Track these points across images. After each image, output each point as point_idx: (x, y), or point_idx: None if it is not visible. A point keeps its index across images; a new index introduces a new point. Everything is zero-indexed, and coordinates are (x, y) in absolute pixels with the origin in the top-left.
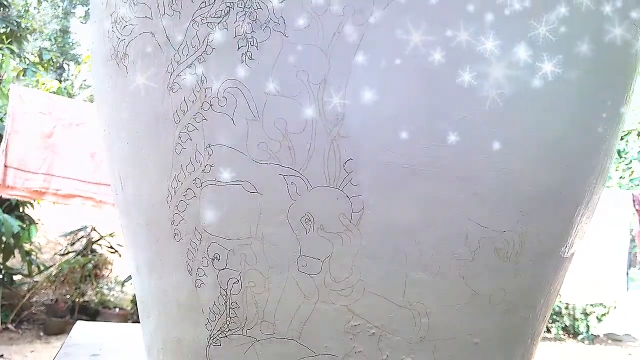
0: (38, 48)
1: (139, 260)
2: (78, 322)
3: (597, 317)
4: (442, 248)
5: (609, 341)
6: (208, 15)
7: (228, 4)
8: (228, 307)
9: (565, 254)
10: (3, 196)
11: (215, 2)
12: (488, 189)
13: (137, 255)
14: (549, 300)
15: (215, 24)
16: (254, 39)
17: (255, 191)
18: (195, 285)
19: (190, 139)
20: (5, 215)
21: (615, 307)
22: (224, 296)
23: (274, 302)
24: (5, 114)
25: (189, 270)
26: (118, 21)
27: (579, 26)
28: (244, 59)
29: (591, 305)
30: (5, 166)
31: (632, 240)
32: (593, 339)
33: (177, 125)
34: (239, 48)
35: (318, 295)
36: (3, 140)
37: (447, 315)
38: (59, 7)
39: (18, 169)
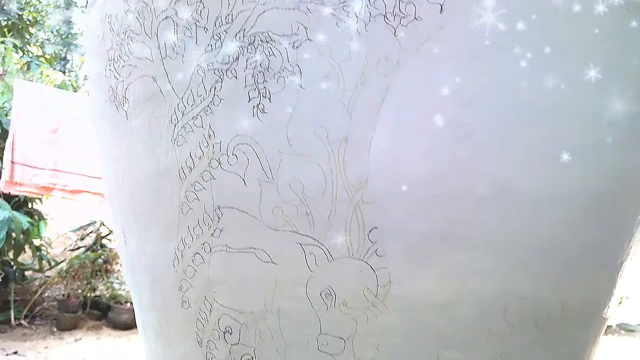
0: (40, 41)
1: (144, 319)
2: None
3: None
4: (478, 324)
5: (622, 332)
6: (215, 61)
7: (237, 49)
8: None
9: (607, 314)
10: (12, 192)
11: (222, 46)
12: (529, 256)
13: (143, 314)
14: None
15: (224, 72)
16: (267, 89)
17: (270, 260)
18: (205, 359)
19: (198, 199)
20: (15, 212)
21: (627, 297)
22: None
23: None
24: (10, 109)
25: (198, 342)
26: (116, 60)
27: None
28: (255, 112)
29: None
30: (13, 162)
31: None
32: (605, 329)
33: (183, 182)
34: (250, 100)
35: None
36: (9, 136)
37: None
38: None
39: (25, 165)
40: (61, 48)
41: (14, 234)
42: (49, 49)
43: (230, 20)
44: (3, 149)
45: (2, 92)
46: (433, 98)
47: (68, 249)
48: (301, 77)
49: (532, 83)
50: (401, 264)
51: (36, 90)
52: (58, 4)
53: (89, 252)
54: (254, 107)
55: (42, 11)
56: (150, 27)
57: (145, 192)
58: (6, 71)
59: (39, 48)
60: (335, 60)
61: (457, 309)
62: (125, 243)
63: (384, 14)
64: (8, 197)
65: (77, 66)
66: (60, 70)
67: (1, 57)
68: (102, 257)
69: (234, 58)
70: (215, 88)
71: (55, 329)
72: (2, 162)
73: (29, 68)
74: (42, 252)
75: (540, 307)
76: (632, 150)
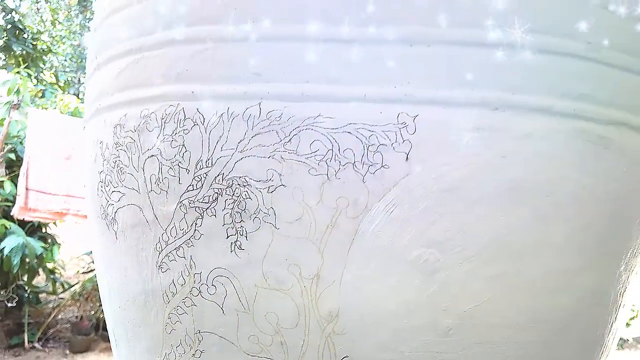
0: (54, 69)
1: None
2: None
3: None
4: None
5: (638, 345)
6: (195, 200)
7: (216, 191)
8: None
9: None
10: (26, 219)
11: (202, 187)
12: None
13: None
14: None
15: (204, 210)
16: (244, 228)
17: None
18: None
19: (180, 322)
20: (29, 238)
21: None
22: None
23: None
24: (25, 137)
25: None
26: (106, 183)
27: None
28: (233, 248)
29: None
30: (27, 189)
31: None
32: (622, 343)
33: (167, 305)
34: (228, 236)
35: None
36: (24, 163)
37: None
38: (73, 22)
39: (39, 192)
40: (74, 74)
41: (28, 259)
42: (63, 76)
43: (210, 164)
44: (17, 176)
45: (17, 121)
46: (399, 239)
47: (81, 271)
48: (275, 219)
49: (494, 223)
50: None
51: (50, 119)
52: (72, 29)
53: None
54: (232, 243)
55: (56, 36)
56: (137, 162)
57: (134, 308)
58: (21, 101)
59: (53, 75)
60: (307, 204)
61: None
62: (117, 346)
63: (352, 162)
64: (22, 223)
65: None
66: (74, 94)
67: (16, 87)
68: None
69: (214, 199)
70: (196, 224)
71: (68, 352)
72: (16, 188)
73: (43, 96)
74: (56, 275)
75: None
76: (600, 272)
